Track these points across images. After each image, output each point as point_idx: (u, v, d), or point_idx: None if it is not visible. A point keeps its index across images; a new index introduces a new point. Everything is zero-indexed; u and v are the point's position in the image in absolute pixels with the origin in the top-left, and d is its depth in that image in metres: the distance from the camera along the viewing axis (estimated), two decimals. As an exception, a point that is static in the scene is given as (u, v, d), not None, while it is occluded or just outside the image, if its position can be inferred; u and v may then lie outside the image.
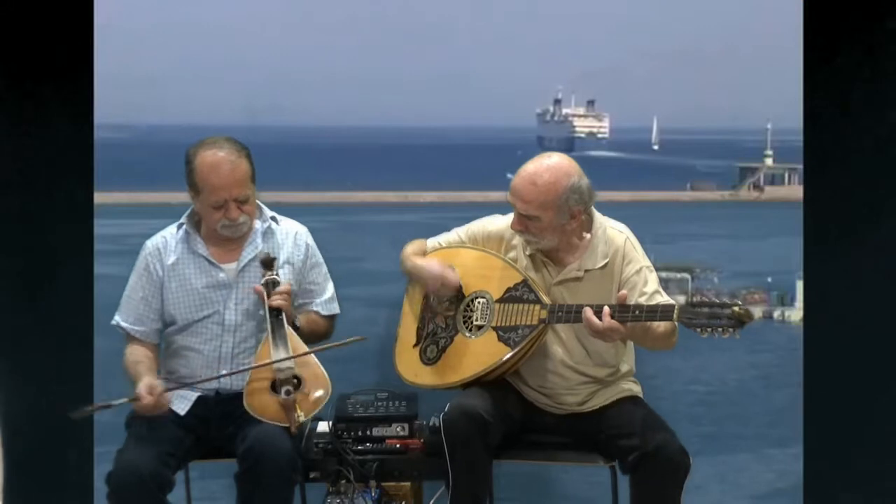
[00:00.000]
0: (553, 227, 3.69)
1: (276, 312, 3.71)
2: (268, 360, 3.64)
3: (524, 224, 3.71)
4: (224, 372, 3.77)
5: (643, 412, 3.72)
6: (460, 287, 3.83)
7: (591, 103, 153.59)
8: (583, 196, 3.69)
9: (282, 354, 3.64)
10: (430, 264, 3.85)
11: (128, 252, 3.94)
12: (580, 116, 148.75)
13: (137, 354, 3.79)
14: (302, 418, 3.58)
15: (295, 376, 3.62)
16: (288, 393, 3.58)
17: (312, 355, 3.71)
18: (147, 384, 3.63)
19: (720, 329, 3.44)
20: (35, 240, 3.24)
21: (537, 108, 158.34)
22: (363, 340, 3.75)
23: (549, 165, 3.69)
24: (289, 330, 3.70)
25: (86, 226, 3.28)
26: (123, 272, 3.90)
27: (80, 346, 3.34)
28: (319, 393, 3.64)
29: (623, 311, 3.53)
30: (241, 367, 3.74)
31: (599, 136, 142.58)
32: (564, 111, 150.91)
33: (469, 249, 3.92)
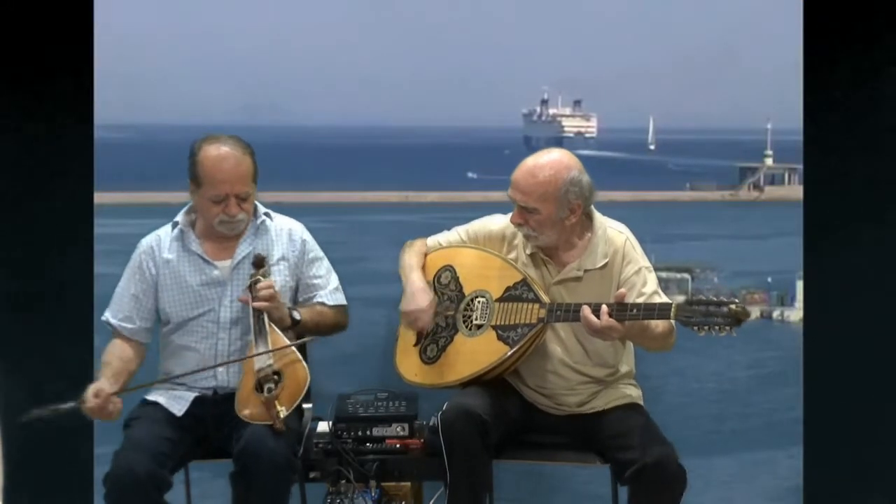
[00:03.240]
0: (552, 221, 3.70)
1: (257, 312, 3.71)
2: (247, 356, 3.66)
3: (524, 217, 3.72)
4: (221, 371, 3.77)
5: (642, 422, 3.71)
6: (447, 314, 3.84)
7: (577, 103, 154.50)
8: (582, 190, 3.70)
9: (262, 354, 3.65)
10: (422, 298, 3.83)
11: (128, 252, 3.94)
12: (567, 116, 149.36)
13: (111, 354, 3.77)
14: (283, 413, 3.57)
15: (275, 372, 3.63)
16: (269, 391, 3.59)
17: (292, 347, 3.70)
18: (95, 388, 3.59)
19: (717, 327, 3.44)
20: (35, 240, 3.24)
21: (523, 108, 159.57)
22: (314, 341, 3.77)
23: (550, 159, 3.72)
24: (271, 328, 3.70)
25: (86, 226, 3.29)
26: (123, 272, 3.90)
27: (79, 346, 3.34)
28: (296, 386, 3.63)
29: (621, 309, 3.54)
30: (223, 361, 3.74)
31: (587, 135, 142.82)
32: (551, 111, 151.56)
33: (470, 249, 3.92)
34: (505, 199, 3.81)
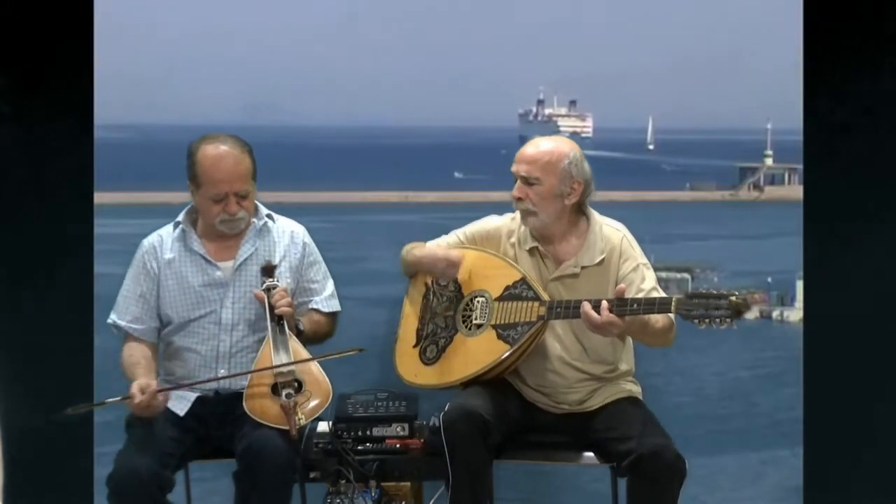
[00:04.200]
0: (553, 196, 3.73)
1: (278, 318, 3.71)
2: (270, 366, 3.64)
3: (524, 191, 3.75)
4: (223, 373, 3.77)
5: (641, 415, 3.72)
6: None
7: (573, 103, 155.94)
8: (583, 172, 3.76)
9: (283, 359, 3.64)
10: (432, 250, 3.91)
11: (128, 252, 3.94)
12: (563, 116, 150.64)
13: (136, 355, 3.77)
14: (303, 421, 3.57)
15: (296, 380, 3.62)
16: (289, 396, 3.58)
17: (316, 363, 3.70)
18: (140, 384, 3.61)
19: (717, 320, 3.45)
20: (36, 240, 3.24)
21: (520, 108, 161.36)
22: (361, 352, 3.75)
23: (553, 138, 3.84)
24: (290, 334, 3.70)
25: (86, 226, 3.28)
26: (123, 272, 3.89)
27: (80, 346, 3.34)
28: (320, 398, 3.64)
29: (621, 304, 3.55)
30: (242, 371, 3.73)
31: (583, 135, 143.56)
32: (547, 111, 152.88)
33: (468, 250, 3.93)
34: (505, 199, 3.83)
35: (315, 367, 3.69)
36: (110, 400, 3.56)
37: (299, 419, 3.56)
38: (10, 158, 3.22)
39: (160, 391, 3.64)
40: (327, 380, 3.68)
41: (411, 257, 3.94)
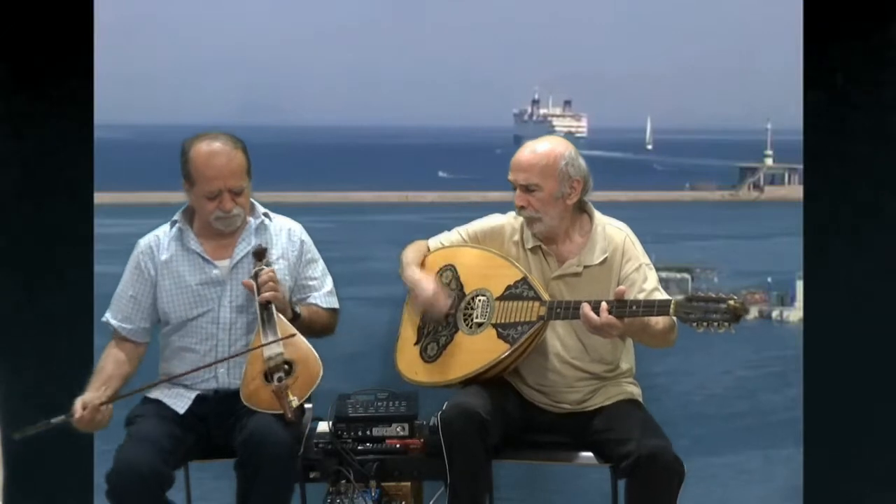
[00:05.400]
0: (554, 198, 3.73)
1: (265, 302, 3.70)
2: (252, 347, 3.63)
3: (526, 199, 3.75)
4: (223, 371, 3.76)
5: (640, 417, 3.73)
6: (448, 312, 3.84)
7: (567, 103, 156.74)
8: (579, 168, 3.76)
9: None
10: (426, 284, 3.85)
11: (128, 252, 3.94)
12: (558, 116, 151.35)
13: (106, 359, 3.76)
14: (295, 403, 3.55)
15: (285, 362, 3.62)
16: (280, 380, 3.58)
17: (301, 337, 3.69)
18: (82, 400, 3.56)
19: (716, 323, 3.45)
20: (35, 239, 3.24)
21: (514, 108, 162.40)
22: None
23: (546, 140, 3.83)
24: (279, 318, 3.69)
25: (86, 226, 3.29)
26: (123, 271, 3.89)
27: (80, 346, 3.34)
28: (310, 375, 3.63)
29: (620, 306, 3.55)
30: (220, 358, 3.73)
31: (578, 135, 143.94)
32: (542, 111, 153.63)
33: (470, 248, 3.93)
34: (505, 198, 3.82)
35: (303, 344, 3.67)
36: (55, 420, 3.46)
37: (291, 401, 3.55)
38: (11, 159, 3.22)
39: (103, 404, 3.57)
40: (316, 355, 3.65)
41: (407, 274, 3.90)
